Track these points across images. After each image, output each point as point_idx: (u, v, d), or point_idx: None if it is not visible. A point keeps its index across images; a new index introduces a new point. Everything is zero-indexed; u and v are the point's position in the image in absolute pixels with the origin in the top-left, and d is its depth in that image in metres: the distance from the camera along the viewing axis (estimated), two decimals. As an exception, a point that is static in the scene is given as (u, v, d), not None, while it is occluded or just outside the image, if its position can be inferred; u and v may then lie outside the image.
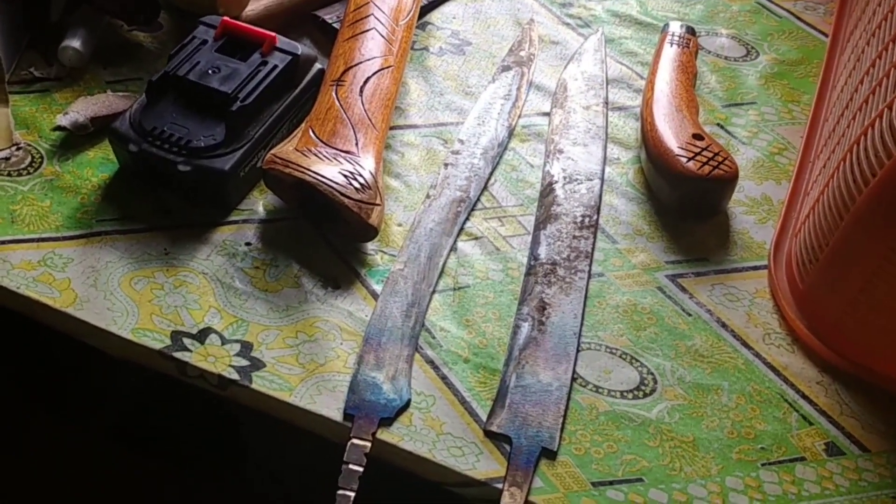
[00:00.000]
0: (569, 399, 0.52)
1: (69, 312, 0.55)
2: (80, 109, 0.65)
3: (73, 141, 0.65)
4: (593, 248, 0.59)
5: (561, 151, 0.65)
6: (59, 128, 0.65)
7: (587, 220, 0.61)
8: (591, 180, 0.63)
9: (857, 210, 0.51)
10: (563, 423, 0.51)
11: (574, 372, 0.53)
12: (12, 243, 0.58)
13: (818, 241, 0.55)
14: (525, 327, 0.55)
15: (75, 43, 0.69)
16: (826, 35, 0.75)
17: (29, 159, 0.63)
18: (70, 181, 0.62)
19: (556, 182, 0.63)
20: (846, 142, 0.55)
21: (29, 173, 0.62)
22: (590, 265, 0.58)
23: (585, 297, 0.56)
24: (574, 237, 0.60)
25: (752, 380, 0.54)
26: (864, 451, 0.51)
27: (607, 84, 0.70)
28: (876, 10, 0.66)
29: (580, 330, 0.55)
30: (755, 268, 0.59)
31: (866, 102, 0.54)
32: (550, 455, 0.49)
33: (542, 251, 0.59)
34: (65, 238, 0.59)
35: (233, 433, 0.67)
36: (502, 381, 0.53)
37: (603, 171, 0.64)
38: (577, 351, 0.54)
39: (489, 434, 0.50)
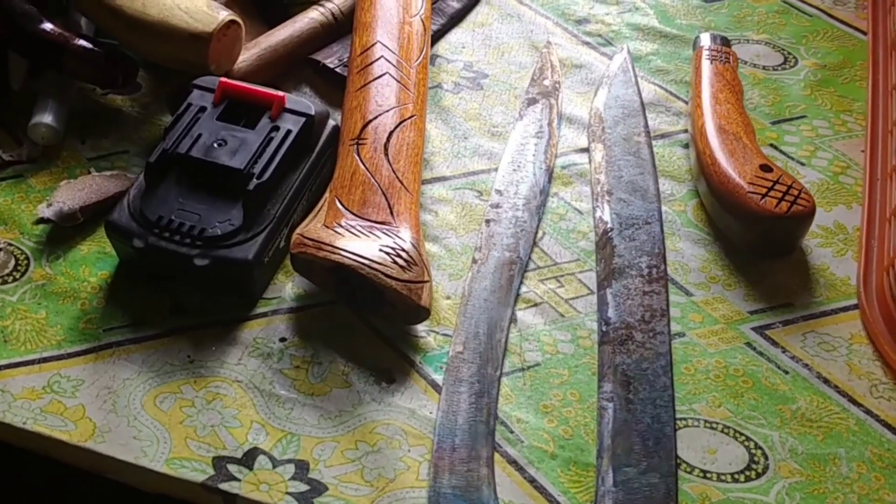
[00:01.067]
0: (677, 491, 0.46)
1: (89, 447, 0.47)
2: (65, 198, 0.57)
3: (61, 235, 0.57)
4: (668, 304, 0.53)
5: (610, 193, 0.59)
6: (42, 220, 0.57)
7: (655, 271, 0.55)
8: (649, 223, 0.57)
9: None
10: None
11: (676, 457, 0.47)
12: (9, 368, 0.50)
13: (923, 279, 0.50)
14: (611, 409, 0.49)
15: (47, 118, 0.60)
16: (863, 32, 0.70)
17: (13, 262, 0.55)
18: (65, 284, 0.54)
19: (612, 229, 0.57)
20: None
21: (15, 279, 0.54)
22: (668, 325, 0.52)
23: (671, 363, 0.51)
24: (644, 293, 0.54)
25: (870, 442, 0.48)
26: None
27: (644, 109, 0.64)
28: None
29: (673, 404, 0.49)
30: (845, 308, 0.54)
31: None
32: None
33: (613, 314, 0.53)
34: (70, 355, 0.51)
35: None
36: (598, 476, 0.47)
37: (660, 210, 0.58)
38: (675, 430, 0.48)
39: None
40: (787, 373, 0.51)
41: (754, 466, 0.47)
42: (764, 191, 0.54)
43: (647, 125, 0.63)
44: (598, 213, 0.58)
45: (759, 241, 0.55)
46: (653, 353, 0.51)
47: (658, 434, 0.48)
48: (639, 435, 0.48)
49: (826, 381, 0.51)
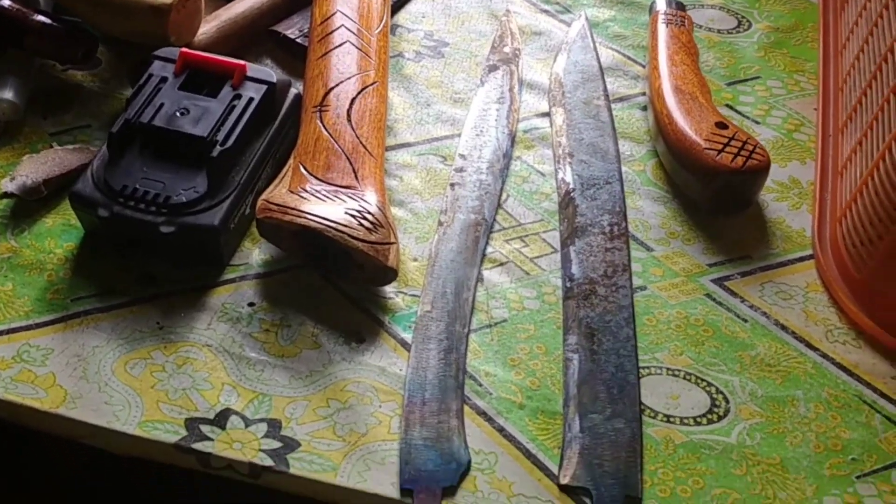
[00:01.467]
0: (642, 435, 0.47)
1: (62, 413, 0.47)
2: (29, 171, 0.57)
3: (25, 208, 0.56)
4: (629, 260, 0.55)
5: (571, 155, 0.60)
6: (5, 195, 0.57)
7: (616, 228, 0.56)
8: (609, 183, 0.58)
9: (923, 192, 0.47)
10: (642, 464, 0.46)
11: (640, 403, 0.48)
12: (-23, 340, 0.50)
13: (874, 226, 0.51)
14: (576, 359, 0.50)
15: (7, 94, 0.60)
16: (814, -5, 0.72)
17: (-23, 236, 0.55)
18: (31, 257, 0.54)
19: (574, 190, 0.58)
20: (885, 121, 0.51)
21: (-20, 253, 0.54)
22: (630, 279, 0.54)
23: (633, 315, 0.52)
24: (606, 250, 0.55)
25: (826, 384, 0.50)
26: (955, 446, 0.48)
27: (603, 74, 0.65)
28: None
29: (636, 353, 0.50)
30: (801, 259, 0.56)
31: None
32: (635, 502, 0.45)
33: (576, 270, 0.54)
34: (38, 325, 0.51)
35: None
36: (565, 424, 0.48)
37: (620, 170, 0.59)
38: (638, 378, 0.49)
39: (565, 489, 0.45)
40: (745, 321, 0.53)
41: (716, 410, 0.49)
42: (720, 147, 0.55)
43: (605, 89, 0.64)
44: (560, 175, 0.59)
45: (717, 197, 0.56)
46: (615, 307, 0.52)
47: (622, 382, 0.49)
48: (603, 383, 0.49)
49: (784, 328, 0.52)
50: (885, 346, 0.51)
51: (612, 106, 0.64)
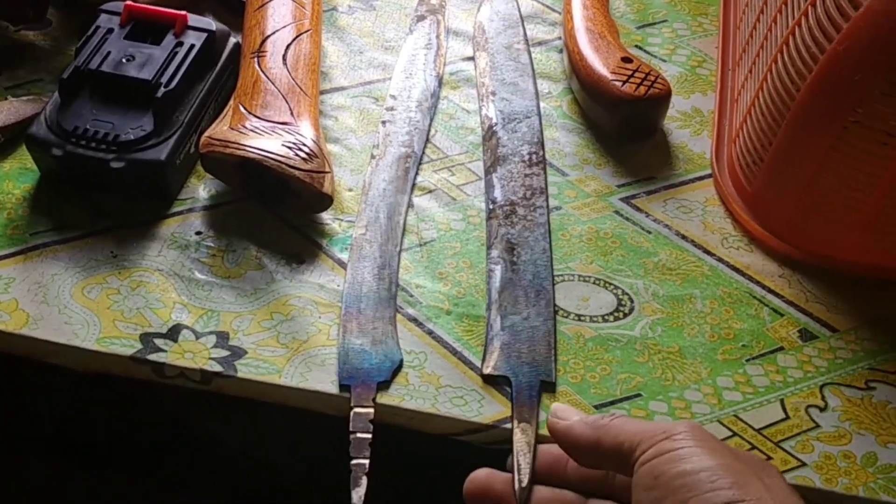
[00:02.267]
0: (556, 331, 0.52)
1: (25, 333, 0.51)
2: (-15, 120, 0.61)
3: (-17, 155, 0.60)
4: (546, 184, 0.60)
5: (493, 93, 0.65)
6: (-37, 144, 0.61)
7: (534, 156, 0.61)
8: (529, 117, 0.63)
9: (797, 108, 0.53)
10: (556, 355, 0.51)
11: (555, 305, 0.54)
12: (-58, 272, 0.54)
13: (760, 143, 0.57)
14: (498, 270, 0.55)
15: (-39, 51, 0.64)
16: (717, -55, 0.77)
17: (-62, 181, 0.59)
18: (-10, 198, 0.58)
19: (496, 124, 0.63)
20: (771, 44, 0.57)
21: (-59, 196, 0.58)
22: (546, 200, 0.59)
23: (549, 231, 0.57)
24: (526, 175, 0.60)
25: (721, 283, 0.56)
26: (833, 332, 0.54)
27: (523, 21, 0.70)
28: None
29: (551, 263, 0.55)
30: (700, 178, 0.61)
31: (786, 3, 0.56)
32: (550, 387, 0.50)
33: (498, 194, 0.59)
34: (0, 258, 0.55)
35: (206, 425, 0.65)
36: (488, 325, 0.53)
37: (538, 106, 0.64)
38: (553, 284, 0.54)
39: (487, 378, 0.50)
40: (649, 233, 0.58)
41: (622, 308, 0.54)
42: (624, 78, 0.61)
43: (525, 35, 0.69)
44: (484, 111, 0.64)
45: (623, 125, 0.62)
46: (533, 224, 0.57)
47: (538, 288, 0.54)
48: (522, 289, 0.54)
49: (684, 238, 0.58)
50: (772, 249, 0.57)
51: (532, 49, 0.69)
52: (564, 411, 0.45)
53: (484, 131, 0.63)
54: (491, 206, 0.59)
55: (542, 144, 0.62)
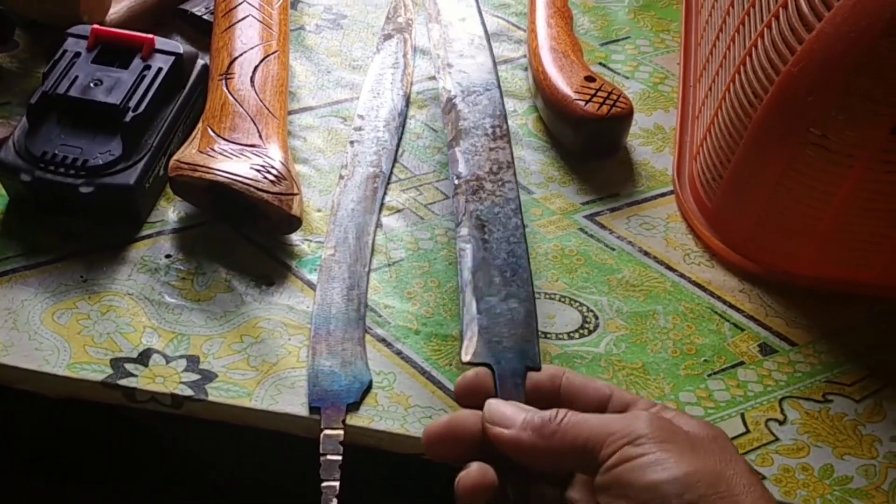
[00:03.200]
0: (536, 312, 0.50)
1: (-6, 361, 0.52)
2: (-48, 145, 0.61)
3: (-49, 180, 0.60)
4: (513, 158, 0.57)
5: (450, 66, 0.63)
6: (-70, 168, 0.61)
7: (498, 130, 0.59)
8: (489, 90, 0.61)
9: (754, 127, 0.54)
10: (538, 338, 0.49)
11: (532, 284, 0.51)
12: (-90, 300, 0.54)
13: (720, 160, 0.58)
14: (469, 249, 0.53)
15: (-73, 75, 0.64)
16: (679, -38, 0.79)
17: None
18: (-42, 223, 0.58)
19: (455, 97, 0.60)
20: (729, 64, 0.58)
21: None
22: (514, 175, 0.57)
23: (520, 207, 0.54)
24: (490, 149, 0.58)
25: (683, 299, 0.57)
26: (792, 346, 0.55)
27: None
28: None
29: (525, 240, 0.53)
30: (663, 195, 0.62)
31: (743, 24, 0.57)
32: (536, 372, 0.47)
33: (463, 168, 0.56)
34: (-32, 284, 0.55)
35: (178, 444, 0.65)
36: (462, 309, 0.50)
37: (498, 80, 0.62)
38: (529, 262, 0.52)
39: (468, 366, 0.47)
40: (613, 250, 0.59)
41: (587, 325, 0.55)
42: (587, 97, 0.62)
43: (479, 8, 0.66)
44: (441, 84, 0.62)
45: (587, 143, 0.63)
46: (503, 199, 0.55)
47: (514, 266, 0.52)
48: (497, 269, 0.51)
49: (646, 254, 0.59)
50: (733, 264, 0.58)
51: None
52: (502, 416, 0.42)
53: (443, 104, 0.60)
54: (456, 182, 0.56)
55: (504, 118, 0.59)
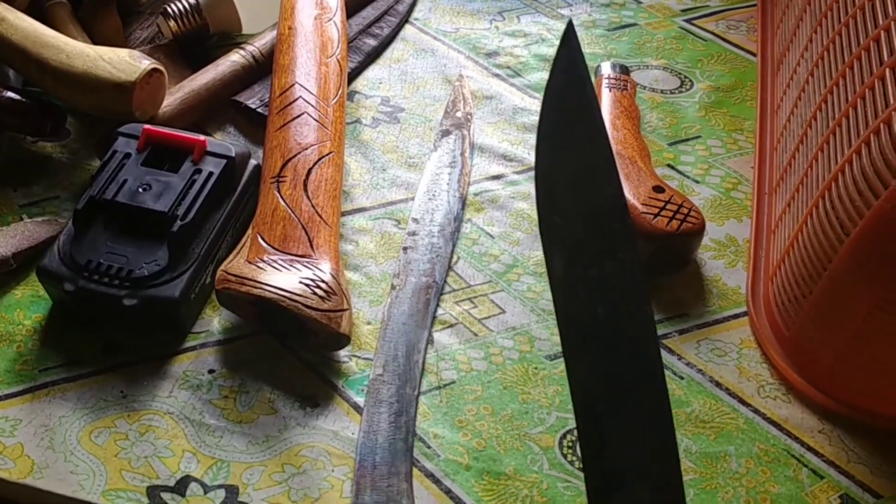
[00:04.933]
0: None
1: (29, 484, 0.50)
2: (-2, 244, 0.60)
3: (-4, 280, 0.59)
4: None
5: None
6: (-24, 267, 0.59)
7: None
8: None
9: (841, 259, 0.50)
10: None
11: None
12: (-52, 412, 0.53)
13: (800, 287, 0.54)
14: None
15: (-22, 168, 0.63)
16: (753, 54, 0.75)
17: (-51, 309, 0.58)
18: (1, 328, 0.56)
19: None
20: (811, 183, 0.55)
21: (-48, 326, 0.57)
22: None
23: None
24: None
25: (757, 439, 0.53)
26: (877, 498, 0.50)
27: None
28: (799, 26, 0.66)
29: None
30: (735, 316, 0.58)
31: (827, 143, 0.54)
32: None
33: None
34: (7, 396, 0.53)
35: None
36: None
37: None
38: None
39: None
40: (682, 378, 0.55)
41: (652, 467, 0.52)
42: (656, 210, 0.58)
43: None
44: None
45: (655, 258, 0.59)
46: None
47: None
48: None
49: (718, 385, 0.55)
50: (811, 400, 0.54)
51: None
52: None
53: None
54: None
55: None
